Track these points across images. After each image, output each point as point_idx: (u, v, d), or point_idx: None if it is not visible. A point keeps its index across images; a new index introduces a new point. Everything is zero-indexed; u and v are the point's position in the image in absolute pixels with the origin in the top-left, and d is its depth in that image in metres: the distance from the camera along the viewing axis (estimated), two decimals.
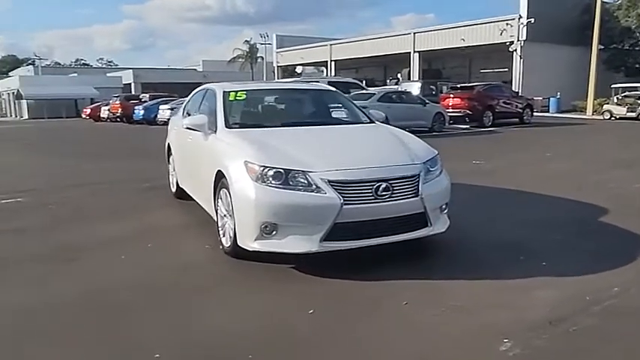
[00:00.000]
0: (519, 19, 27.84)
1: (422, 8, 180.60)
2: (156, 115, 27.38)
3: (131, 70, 61.00)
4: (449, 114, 19.06)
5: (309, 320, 3.38)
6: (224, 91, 5.65)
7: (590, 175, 8.79)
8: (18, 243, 5.34)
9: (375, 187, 4.06)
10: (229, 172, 4.41)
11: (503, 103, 20.38)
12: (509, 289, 3.81)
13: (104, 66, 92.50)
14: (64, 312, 3.60)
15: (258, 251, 4.15)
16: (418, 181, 4.28)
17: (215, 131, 5.13)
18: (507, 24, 28.32)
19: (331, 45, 38.16)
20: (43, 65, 74.75)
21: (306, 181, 4.04)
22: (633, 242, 4.88)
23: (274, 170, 4.09)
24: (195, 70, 65.32)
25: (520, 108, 21.10)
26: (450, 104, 19.71)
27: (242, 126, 5.25)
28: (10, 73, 68.54)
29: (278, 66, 43.42)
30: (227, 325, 3.36)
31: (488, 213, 6.19)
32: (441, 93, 21.78)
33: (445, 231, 4.57)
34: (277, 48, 43.24)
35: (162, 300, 3.76)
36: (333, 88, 6.34)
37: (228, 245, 4.53)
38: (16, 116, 51.62)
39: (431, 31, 32.15)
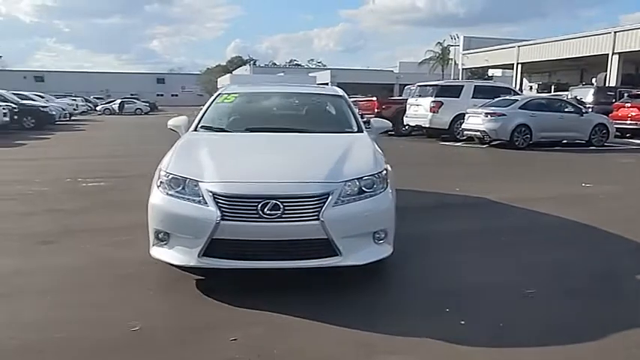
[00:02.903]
0: None
1: None
2: None
3: (329, 71, 64.46)
4: (624, 126, 16.23)
5: (118, 336, 3.19)
6: (218, 93, 5.64)
7: None
8: (33, 222, 6.04)
9: (260, 204, 3.63)
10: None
11: None
12: (352, 345, 3.09)
13: (313, 66, 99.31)
14: None
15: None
16: (323, 203, 3.71)
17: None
18: None
19: (519, 47, 35.12)
20: (261, 65, 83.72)
21: (196, 192, 3.81)
22: (619, 321, 3.54)
23: (172, 177, 3.96)
24: (392, 71, 66.36)
25: None
26: (628, 115, 16.71)
27: (208, 129, 5.17)
28: (234, 72, 77.70)
29: (463, 68, 41.54)
30: (35, 324, 3.35)
31: (497, 250, 5.10)
32: None
33: (365, 264, 3.85)
34: (464, 50, 41.35)
35: (44, 289, 3.95)
36: (340, 92, 5.85)
37: None
38: None
39: (636, 29, 27.47)
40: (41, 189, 8.22)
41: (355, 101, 25.36)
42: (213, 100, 5.58)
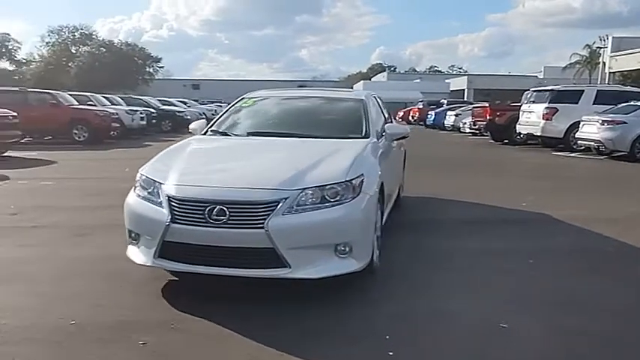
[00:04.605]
0: None
1: None
2: (444, 121, 27.64)
3: (466, 77, 62.45)
4: None
5: (49, 328, 3.36)
6: (241, 97, 5.73)
7: None
8: (88, 215, 6.66)
9: (207, 208, 3.60)
10: None
11: None
12: None
13: (454, 72, 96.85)
14: None
15: None
16: (271, 210, 3.57)
17: None
18: None
19: None
20: (400, 72, 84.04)
21: (159, 194, 3.89)
22: None
23: (144, 178, 4.10)
24: (535, 77, 62.60)
25: None
26: None
27: (215, 133, 5.25)
28: (372, 79, 78.79)
29: (611, 72, 37.35)
30: None
31: (509, 274, 4.50)
32: None
33: (318, 279, 3.62)
34: (612, 52, 37.23)
35: (34, 277, 4.29)
36: (362, 97, 5.57)
37: None
38: None
39: None
40: (121, 185, 8.95)
41: (473, 107, 24.18)
42: (234, 103, 5.67)
